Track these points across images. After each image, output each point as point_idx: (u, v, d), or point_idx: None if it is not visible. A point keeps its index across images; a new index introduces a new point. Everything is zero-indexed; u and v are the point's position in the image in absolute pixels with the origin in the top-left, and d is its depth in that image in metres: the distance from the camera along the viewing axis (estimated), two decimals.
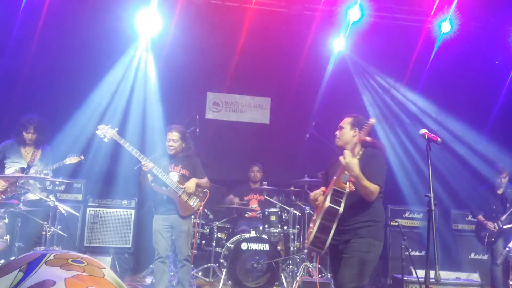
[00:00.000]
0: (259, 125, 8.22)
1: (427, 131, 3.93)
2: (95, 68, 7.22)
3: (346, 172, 3.62)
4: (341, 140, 3.91)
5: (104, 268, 0.94)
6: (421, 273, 5.97)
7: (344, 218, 3.67)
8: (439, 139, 3.82)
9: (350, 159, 3.55)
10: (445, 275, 5.93)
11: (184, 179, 5.27)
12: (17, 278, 0.86)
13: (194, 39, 7.41)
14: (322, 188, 3.96)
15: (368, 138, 3.71)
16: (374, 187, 3.62)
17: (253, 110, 8.09)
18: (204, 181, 5.43)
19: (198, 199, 5.31)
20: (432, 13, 7.58)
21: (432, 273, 3.87)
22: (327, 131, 6.98)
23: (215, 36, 7.59)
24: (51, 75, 7.23)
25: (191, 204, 5.25)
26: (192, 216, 5.65)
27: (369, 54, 7.96)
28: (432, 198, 3.74)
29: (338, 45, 7.77)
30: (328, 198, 3.68)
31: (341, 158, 3.61)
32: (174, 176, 5.23)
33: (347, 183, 3.64)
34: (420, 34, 7.79)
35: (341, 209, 3.63)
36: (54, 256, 0.91)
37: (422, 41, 7.82)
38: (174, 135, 5.27)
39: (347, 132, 3.90)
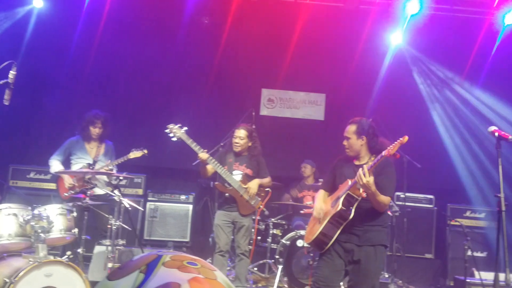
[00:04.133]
0: (314, 121, 8.14)
1: (496, 128, 3.77)
2: (154, 65, 7.39)
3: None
4: (352, 150, 3.81)
5: (216, 270, 0.96)
6: (484, 275, 5.82)
7: (353, 221, 3.61)
8: (510, 136, 3.66)
9: (368, 179, 3.41)
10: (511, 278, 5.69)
11: (247, 178, 5.32)
12: (138, 279, 0.89)
13: (249, 35, 7.43)
14: None
15: (397, 155, 3.47)
16: (387, 200, 3.58)
17: (308, 106, 8.03)
18: (267, 180, 5.48)
19: (259, 199, 5.38)
20: (495, 5, 7.27)
21: (501, 276, 3.75)
22: (384, 128, 6.82)
23: (270, 32, 7.57)
24: (114, 75, 7.47)
25: (252, 203, 5.32)
26: (253, 217, 5.70)
27: (428, 47, 7.72)
28: (502, 198, 3.60)
29: (396, 39, 7.58)
30: (341, 201, 3.63)
31: (359, 175, 3.43)
32: (237, 175, 5.29)
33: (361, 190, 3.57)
34: (481, 27, 7.49)
35: (352, 215, 3.58)
36: (170, 257, 0.94)
37: (484, 34, 7.52)
38: (242, 133, 5.34)
39: (354, 143, 3.78)
